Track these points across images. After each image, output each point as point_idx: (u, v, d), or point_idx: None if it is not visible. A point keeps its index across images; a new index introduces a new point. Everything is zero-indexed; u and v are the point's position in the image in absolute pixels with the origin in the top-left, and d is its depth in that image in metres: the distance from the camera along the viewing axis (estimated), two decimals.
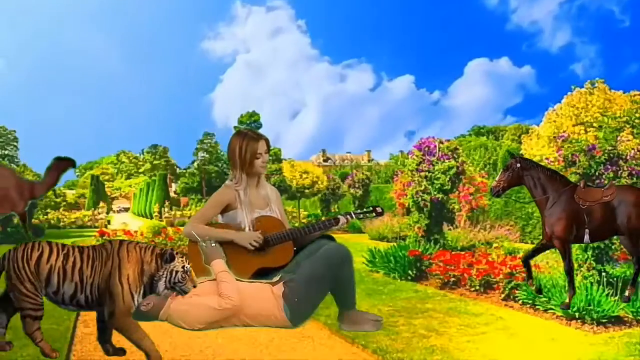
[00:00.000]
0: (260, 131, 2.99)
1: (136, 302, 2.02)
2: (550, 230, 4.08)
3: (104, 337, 2.20)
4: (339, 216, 2.45)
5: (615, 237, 4.54)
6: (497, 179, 4.28)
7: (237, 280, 2.19)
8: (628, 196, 4.03)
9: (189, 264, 2.03)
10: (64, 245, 2.12)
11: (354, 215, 2.49)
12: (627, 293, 4.22)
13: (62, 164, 4.19)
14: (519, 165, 4.21)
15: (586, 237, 4.02)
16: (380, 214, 2.51)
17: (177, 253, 2.03)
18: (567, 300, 4.17)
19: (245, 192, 2.38)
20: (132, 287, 2.03)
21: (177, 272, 2.01)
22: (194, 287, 2.03)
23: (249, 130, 2.47)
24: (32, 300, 2.06)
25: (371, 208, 2.52)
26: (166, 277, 2.02)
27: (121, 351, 2.20)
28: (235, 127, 32.90)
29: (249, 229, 2.34)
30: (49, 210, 21.09)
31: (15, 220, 4.62)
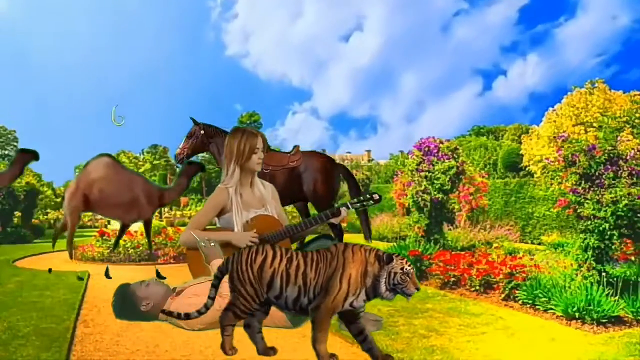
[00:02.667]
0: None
1: (347, 304, 2.02)
2: None
3: (366, 346, 2.14)
4: (341, 208, 2.40)
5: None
6: (180, 146, 4.19)
7: None
8: (314, 162, 4.02)
9: (409, 265, 2.01)
10: (287, 250, 2.11)
11: (350, 205, 2.44)
12: None
13: (192, 168, 4.15)
14: (202, 132, 4.16)
15: None
16: (378, 201, 2.44)
17: (396, 255, 2.02)
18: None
19: (236, 191, 2.37)
20: (350, 288, 2.01)
21: (396, 273, 2.00)
22: (417, 289, 2.02)
23: (246, 127, 2.49)
24: (247, 304, 2.05)
25: (368, 196, 2.45)
26: (386, 279, 2.01)
27: (390, 358, 2.14)
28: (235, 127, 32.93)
29: (240, 230, 2.34)
30: (49, 210, 21.06)
31: (15, 220, 4.62)
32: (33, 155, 4.05)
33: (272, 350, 2.13)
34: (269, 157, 4.05)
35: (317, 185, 3.98)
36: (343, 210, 2.41)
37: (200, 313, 2.09)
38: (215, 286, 2.08)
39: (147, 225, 4.14)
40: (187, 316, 2.10)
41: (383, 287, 2.01)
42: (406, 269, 2.01)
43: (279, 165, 4.03)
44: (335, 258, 2.04)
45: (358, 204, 2.45)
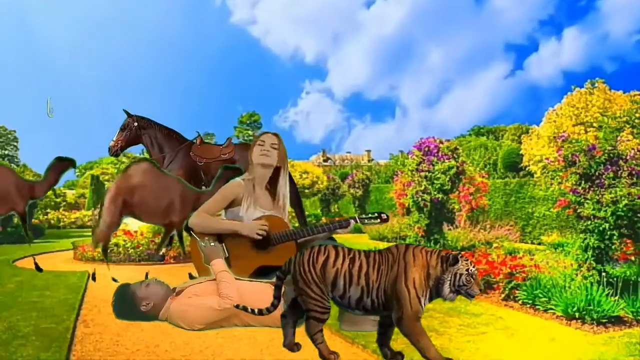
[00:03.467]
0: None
1: (423, 306, 2.01)
2: None
3: (382, 340, 2.17)
4: (350, 219, 2.44)
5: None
6: (114, 138, 4.22)
7: (237, 280, 2.19)
8: (246, 154, 4.10)
9: (473, 266, 2.00)
10: (350, 250, 2.11)
11: (358, 220, 2.48)
12: None
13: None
14: (136, 124, 4.21)
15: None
16: (385, 221, 2.50)
17: (460, 256, 2.01)
18: None
19: (251, 184, 2.39)
20: (418, 292, 2.00)
21: (461, 275, 1.98)
22: (480, 290, 2.01)
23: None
24: (319, 303, 2.04)
25: (376, 214, 2.50)
26: (450, 280, 2.00)
27: (400, 355, 2.16)
28: (235, 127, 32.93)
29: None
30: (49, 210, 21.06)
31: (15, 220, 4.63)
32: (69, 163, 4.07)
33: (296, 347, 2.12)
34: (203, 149, 4.10)
35: None
36: (352, 222, 2.44)
37: (269, 311, 2.10)
38: (279, 286, 2.09)
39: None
40: (260, 312, 2.11)
41: (447, 289, 2.00)
42: (471, 270, 1.99)
43: (211, 157, 4.11)
44: (396, 261, 2.03)
45: (365, 220, 2.50)
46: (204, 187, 4.10)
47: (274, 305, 2.09)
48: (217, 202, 2.40)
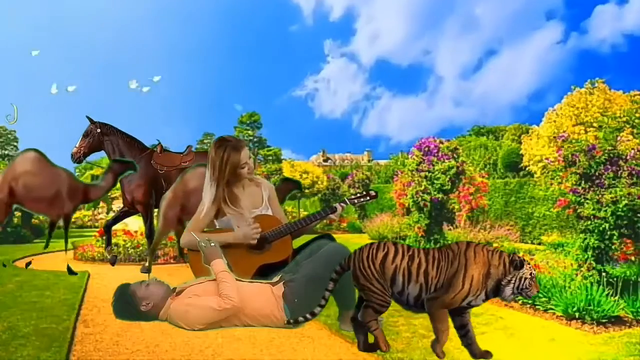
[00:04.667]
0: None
1: (465, 303, 2.03)
2: (131, 196, 4.26)
3: (466, 341, 2.14)
4: (336, 205, 2.43)
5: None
6: (77, 145, 4.27)
7: (237, 280, 2.19)
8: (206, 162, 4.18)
9: (533, 269, 2.01)
10: (409, 247, 2.11)
11: (348, 202, 2.46)
12: None
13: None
14: (99, 130, 4.27)
15: None
16: (374, 197, 2.48)
17: (524, 260, 2.02)
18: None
19: (216, 202, 2.32)
20: (472, 289, 2.01)
21: (525, 279, 2.00)
22: (537, 291, 2.03)
23: (230, 139, 2.34)
24: (381, 297, 2.06)
25: (364, 192, 2.50)
26: (514, 284, 2.00)
27: (488, 353, 2.13)
28: (235, 128, 32.93)
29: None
30: None
31: (15, 220, 4.63)
32: (127, 166, 4.10)
33: (372, 348, 2.12)
34: (163, 157, 4.14)
35: None
36: (339, 206, 2.42)
37: (321, 307, 2.10)
38: (335, 280, 2.10)
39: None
40: (313, 314, 2.11)
41: (509, 291, 2.01)
42: (533, 273, 2.01)
43: (172, 165, 4.16)
44: (457, 258, 2.03)
45: (355, 201, 2.49)
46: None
47: (324, 301, 2.09)
48: (200, 220, 2.36)
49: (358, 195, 2.51)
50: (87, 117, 4.41)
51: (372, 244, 2.10)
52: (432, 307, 2.02)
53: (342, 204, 2.44)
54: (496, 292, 2.03)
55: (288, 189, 4.34)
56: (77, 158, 4.26)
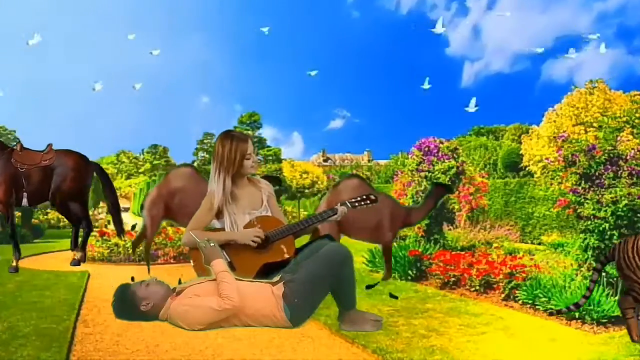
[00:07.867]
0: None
1: None
2: None
3: None
4: (337, 207, 2.45)
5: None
6: None
7: (237, 280, 2.19)
8: (67, 160, 4.20)
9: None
10: None
11: (349, 204, 2.49)
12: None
13: (440, 189, 4.44)
14: None
15: (24, 201, 4.15)
16: (375, 201, 2.52)
17: None
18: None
19: (227, 198, 2.34)
20: None
21: None
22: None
23: (235, 132, 2.43)
24: None
25: (364, 196, 2.52)
26: None
27: None
28: (235, 127, 32.94)
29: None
30: (49, 210, 21.05)
31: (15, 220, 4.63)
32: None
33: None
34: (23, 155, 4.15)
35: (67, 183, 4.13)
36: (340, 208, 2.44)
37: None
38: (599, 271, 2.12)
39: (387, 251, 4.29)
40: None
41: None
42: None
43: (33, 164, 4.17)
44: None
45: (356, 204, 2.51)
46: (25, 194, 4.14)
47: (589, 292, 2.13)
48: (206, 214, 2.36)
49: (359, 198, 2.53)
50: None
51: (637, 235, 2.12)
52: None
53: (343, 207, 2.46)
54: None
55: (441, 192, 4.42)
56: None
